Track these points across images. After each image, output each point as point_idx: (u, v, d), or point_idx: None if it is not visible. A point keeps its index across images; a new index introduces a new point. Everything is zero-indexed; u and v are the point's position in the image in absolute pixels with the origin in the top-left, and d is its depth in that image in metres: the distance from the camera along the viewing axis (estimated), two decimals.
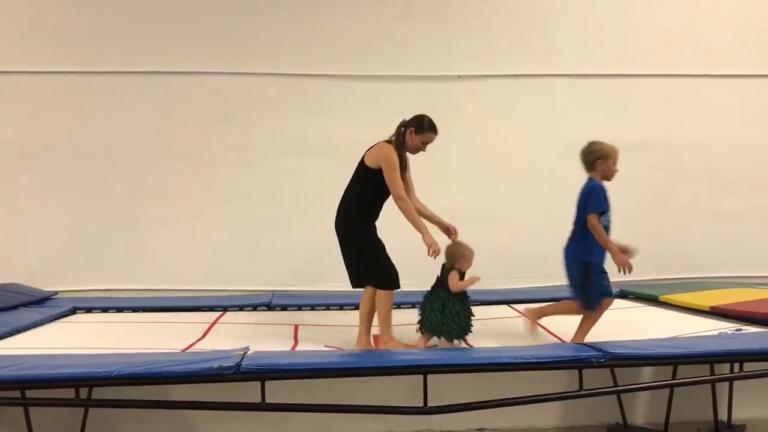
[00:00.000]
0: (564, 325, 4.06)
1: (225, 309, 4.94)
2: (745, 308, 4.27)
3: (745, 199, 5.93)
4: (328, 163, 5.50)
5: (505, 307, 5.02)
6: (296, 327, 4.38)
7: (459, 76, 5.79)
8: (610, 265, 3.71)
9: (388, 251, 3.85)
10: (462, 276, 3.81)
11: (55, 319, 4.55)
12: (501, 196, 5.75)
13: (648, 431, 4.24)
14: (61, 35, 5.54)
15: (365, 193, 3.85)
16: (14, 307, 4.59)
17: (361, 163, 3.88)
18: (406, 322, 4.04)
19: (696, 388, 3.95)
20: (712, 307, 4.43)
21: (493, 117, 5.81)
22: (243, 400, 3.14)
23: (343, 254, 3.90)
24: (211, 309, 4.93)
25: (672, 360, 3.55)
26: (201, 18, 5.63)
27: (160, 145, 5.58)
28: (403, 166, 3.86)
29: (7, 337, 3.89)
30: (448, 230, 3.96)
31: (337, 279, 5.18)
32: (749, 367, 3.55)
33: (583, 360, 3.22)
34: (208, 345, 3.80)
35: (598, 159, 3.71)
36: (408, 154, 3.92)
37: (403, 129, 3.84)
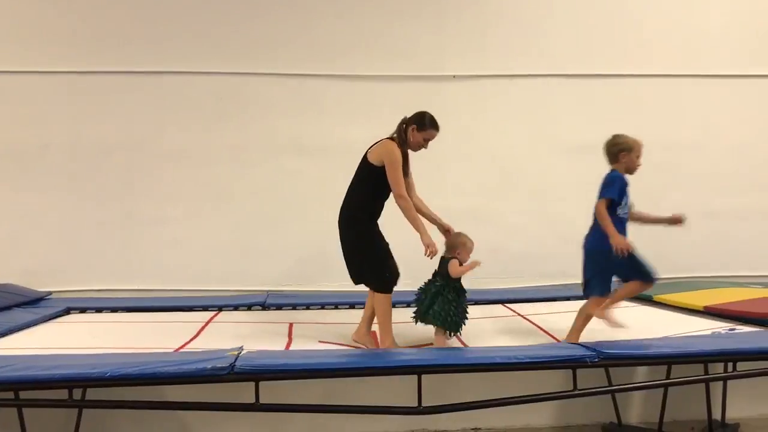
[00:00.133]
0: (559, 325, 4.07)
1: (219, 309, 4.93)
2: (739, 308, 4.29)
3: (738, 198, 5.93)
4: (323, 163, 5.51)
5: (500, 306, 5.02)
6: (291, 325, 4.38)
7: (454, 76, 5.78)
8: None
9: None
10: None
11: (49, 319, 4.53)
12: (496, 196, 5.74)
13: (642, 430, 4.26)
14: (56, 35, 5.52)
15: (368, 191, 3.83)
16: (8, 308, 4.56)
17: (364, 160, 3.86)
18: (403, 320, 4.03)
19: (690, 387, 3.96)
20: (705, 307, 4.44)
21: (487, 117, 5.81)
22: (238, 400, 3.14)
23: (343, 251, 3.87)
24: (206, 309, 4.92)
25: (666, 359, 3.57)
26: (196, 18, 5.61)
27: (155, 145, 5.56)
28: (406, 163, 3.85)
29: (0, 337, 3.87)
30: (447, 231, 3.95)
31: (332, 279, 5.25)
32: (743, 366, 3.58)
33: (578, 360, 3.23)
34: (201, 344, 3.79)
35: (621, 151, 3.69)
36: (409, 152, 3.91)
37: (404, 126, 3.82)
